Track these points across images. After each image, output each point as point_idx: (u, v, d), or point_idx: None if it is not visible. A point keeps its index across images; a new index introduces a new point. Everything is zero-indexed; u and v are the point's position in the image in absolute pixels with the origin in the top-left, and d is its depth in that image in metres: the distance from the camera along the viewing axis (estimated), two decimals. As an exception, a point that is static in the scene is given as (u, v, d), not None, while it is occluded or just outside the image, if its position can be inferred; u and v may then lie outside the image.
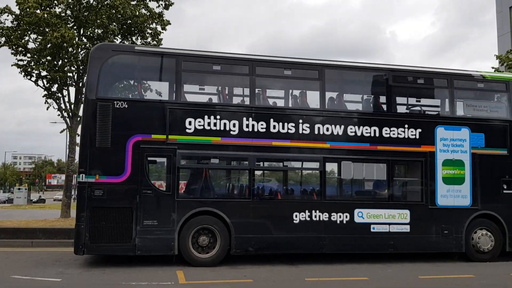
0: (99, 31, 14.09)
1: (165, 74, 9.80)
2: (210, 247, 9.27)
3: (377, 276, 8.63)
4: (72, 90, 14.64)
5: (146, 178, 9.05)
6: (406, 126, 10.24)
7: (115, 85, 9.69)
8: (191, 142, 9.28)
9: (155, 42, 14.95)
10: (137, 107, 9.20)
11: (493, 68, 21.09)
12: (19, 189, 36.59)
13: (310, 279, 8.25)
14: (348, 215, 9.82)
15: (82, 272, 8.50)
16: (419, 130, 10.29)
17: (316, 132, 9.80)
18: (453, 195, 10.40)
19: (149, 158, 9.16)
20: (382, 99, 10.54)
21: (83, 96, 9.34)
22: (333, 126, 9.88)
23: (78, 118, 14.66)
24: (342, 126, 9.93)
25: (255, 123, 9.54)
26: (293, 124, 9.71)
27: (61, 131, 14.78)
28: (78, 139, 14.86)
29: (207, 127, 9.34)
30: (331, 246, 9.74)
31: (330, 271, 9.09)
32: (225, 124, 9.42)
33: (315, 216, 9.67)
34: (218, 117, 9.41)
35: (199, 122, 9.32)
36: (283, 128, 9.66)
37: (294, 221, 9.59)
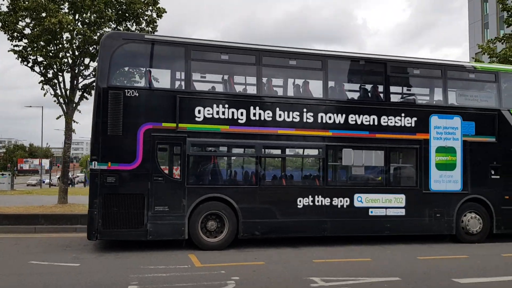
0: (95, 16, 13.98)
1: (174, 63, 9.95)
2: (218, 231, 9.62)
3: (378, 257, 9.17)
4: (68, 76, 14.58)
5: (157, 165, 9.29)
6: (403, 114, 10.73)
7: (126, 74, 9.81)
8: (200, 130, 9.53)
9: (150, 29, 14.95)
10: (147, 96, 9.37)
11: (475, 58, 21.77)
12: (2, 174, 35.89)
13: (317, 260, 8.70)
14: (348, 199, 10.31)
15: (97, 257, 8.74)
16: (415, 118, 10.80)
17: (319, 120, 10.19)
18: (445, 180, 11.00)
19: (159, 146, 9.38)
20: (380, 89, 10.99)
21: (92, 83, 9.41)
22: (335, 115, 10.28)
23: (74, 104, 14.63)
24: (344, 115, 10.34)
25: (261, 112, 9.86)
26: (298, 113, 10.07)
27: (58, 117, 14.71)
28: (74, 125, 14.93)
29: (215, 116, 9.61)
30: (332, 229, 10.23)
31: (332, 252, 9.58)
32: (233, 112, 9.71)
33: (318, 201, 10.13)
34: (226, 106, 9.68)
35: (208, 110, 9.57)
36: (288, 117, 10.00)
37: (298, 206, 10.02)
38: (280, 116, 9.96)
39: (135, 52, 9.69)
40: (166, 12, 15.03)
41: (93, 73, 15.01)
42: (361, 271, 7.79)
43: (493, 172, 11.30)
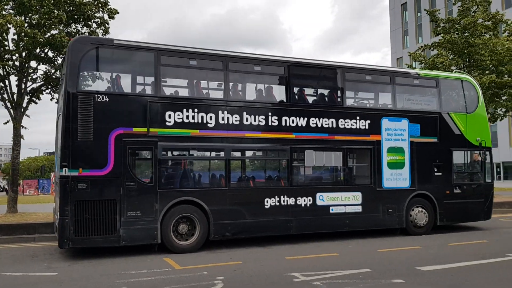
0: (44, 18, 13.41)
1: (144, 68, 9.96)
2: (189, 234, 9.78)
3: (343, 252, 9.79)
4: (14, 79, 13.88)
5: (129, 170, 9.27)
6: (358, 118, 11.50)
7: (95, 78, 9.66)
8: (171, 135, 9.64)
9: (101, 31, 14.64)
10: (118, 101, 9.32)
11: (408, 61, 23.44)
12: None
13: (289, 257, 9.15)
14: (311, 198, 10.88)
15: (70, 265, 8.57)
16: (368, 121, 11.60)
17: (283, 124, 10.66)
18: (396, 178, 11.93)
19: (131, 151, 9.36)
20: (337, 94, 11.69)
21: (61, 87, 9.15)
22: (297, 118, 10.81)
23: (22, 109, 13.96)
24: (305, 119, 10.90)
25: (229, 116, 10.15)
26: (263, 117, 10.48)
27: (5, 123, 13.93)
28: (22, 131, 14.25)
29: (185, 120, 9.76)
30: (297, 227, 10.74)
31: (300, 250, 10.06)
32: (202, 117, 9.91)
33: (283, 201, 10.59)
34: (196, 110, 9.87)
35: (178, 115, 9.70)
36: (254, 120, 10.38)
37: (266, 206, 10.43)
38: (247, 120, 10.31)
39: (104, 57, 9.57)
40: (118, 13, 14.78)
41: (41, 76, 14.44)
42: (333, 265, 8.33)
43: (435, 170, 12.40)
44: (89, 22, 14.31)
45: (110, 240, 9.08)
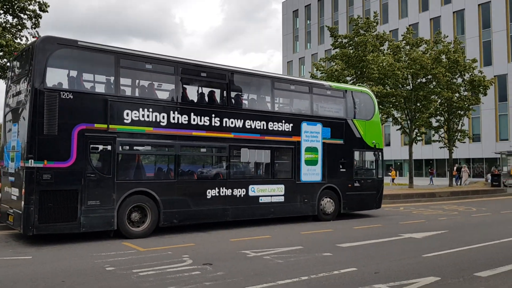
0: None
1: (105, 69, 10.69)
2: (140, 221, 10.85)
3: (274, 234, 11.63)
4: None
5: (90, 163, 10.06)
6: (283, 121, 13.44)
7: (60, 76, 10.15)
8: (128, 131, 10.60)
9: (31, 23, 14.65)
10: (81, 98, 10.03)
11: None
12: None
13: (233, 239, 10.74)
14: (244, 190, 12.56)
15: (37, 250, 9.19)
16: (292, 124, 13.60)
17: (224, 124, 12.17)
18: (311, 173, 14.12)
19: (92, 145, 10.14)
20: (268, 99, 13.52)
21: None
22: (235, 120, 12.39)
23: None
24: (242, 121, 12.52)
25: (179, 116, 11.38)
26: (208, 118, 11.88)
27: None
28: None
29: (141, 118, 10.79)
30: (233, 215, 12.35)
31: (238, 234, 11.65)
32: (156, 116, 11.02)
33: (222, 192, 12.12)
34: (150, 110, 10.93)
35: (135, 113, 10.70)
36: (200, 121, 11.73)
37: (207, 197, 11.86)
38: (194, 120, 11.62)
39: (69, 56, 10.18)
40: (48, 6, 14.90)
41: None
42: (272, 244, 10.10)
43: (341, 167, 14.87)
44: (21, 14, 14.29)
45: (71, 227, 9.82)
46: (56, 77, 9.92)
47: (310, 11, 69.79)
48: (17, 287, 6.51)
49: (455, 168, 35.68)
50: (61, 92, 9.70)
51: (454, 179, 33.94)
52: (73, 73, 10.31)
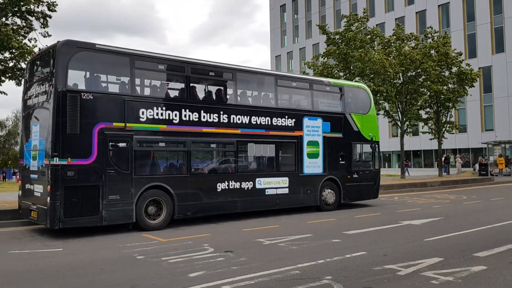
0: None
1: (122, 70, 11.20)
2: (156, 214, 11.44)
3: (282, 224, 12.31)
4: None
5: (109, 160, 10.61)
6: (287, 117, 14.10)
7: (80, 78, 10.63)
8: (144, 129, 11.16)
9: (39, 23, 15.00)
10: (100, 99, 10.56)
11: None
12: None
13: (245, 229, 11.40)
14: (252, 183, 13.21)
15: (65, 243, 9.73)
16: (294, 120, 14.26)
17: (231, 121, 12.78)
18: (313, 166, 14.81)
19: (111, 143, 10.68)
20: (272, 96, 14.16)
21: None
22: (242, 116, 13.01)
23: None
24: (248, 117, 13.14)
25: (190, 113, 11.97)
26: (216, 115, 12.48)
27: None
28: None
29: (155, 117, 11.35)
30: (241, 206, 13.00)
31: (248, 224, 12.27)
32: (169, 114, 11.58)
33: (231, 185, 12.75)
34: (164, 108, 11.50)
35: (150, 112, 11.26)
36: (210, 118, 12.34)
37: (218, 190, 12.49)
38: (204, 117, 12.22)
39: (88, 58, 10.67)
40: (57, 4, 15.23)
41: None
42: (283, 233, 10.77)
43: (340, 159, 15.59)
44: (29, 16, 14.66)
45: (94, 220, 10.38)
46: (77, 78, 10.42)
47: (297, 5, 70.35)
48: (60, 275, 7.07)
49: (443, 158, 36.81)
50: (82, 93, 10.22)
51: (442, 169, 35.01)
52: (92, 75, 10.82)
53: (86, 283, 6.64)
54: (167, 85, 12.13)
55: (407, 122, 29.46)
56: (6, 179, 53.37)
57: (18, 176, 51.70)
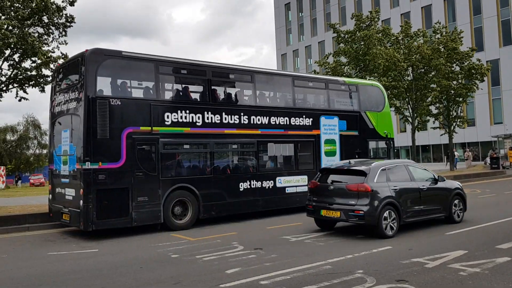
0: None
1: (147, 75, 11.57)
2: (182, 214, 11.79)
3: (304, 222, 12.58)
4: None
5: (138, 163, 10.96)
6: (304, 116, 14.40)
7: (108, 84, 11.00)
8: (169, 132, 11.52)
9: (58, 34, 15.43)
10: (128, 104, 10.92)
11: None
12: None
13: (269, 227, 11.73)
14: (272, 182, 13.53)
15: (98, 244, 10.10)
16: (311, 119, 14.57)
17: (252, 122, 13.11)
18: (331, 163, 15.08)
19: (138, 146, 11.04)
20: (290, 97, 14.47)
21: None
22: (262, 117, 13.33)
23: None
24: (267, 117, 13.46)
25: (212, 116, 12.31)
26: (237, 116, 12.81)
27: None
28: None
29: (180, 120, 11.71)
30: (263, 205, 13.34)
31: (271, 222, 12.57)
32: (192, 117, 11.94)
33: (253, 185, 13.09)
34: (187, 111, 11.85)
35: (174, 115, 11.61)
36: (231, 119, 12.67)
37: (240, 189, 12.83)
38: (225, 119, 12.56)
39: (115, 65, 11.04)
40: (75, 17, 15.67)
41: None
42: (306, 230, 11.07)
43: (357, 156, 15.83)
44: (52, 27, 15.09)
45: (124, 221, 10.75)
46: (105, 85, 10.78)
47: (302, 3, 70.46)
48: (103, 274, 7.42)
49: (448, 153, 36.92)
50: (111, 99, 10.58)
51: (453, 163, 35.17)
52: (119, 81, 11.17)
53: (130, 281, 6.99)
54: (190, 89, 12.46)
55: (418, 118, 29.66)
56: (22, 183, 53.97)
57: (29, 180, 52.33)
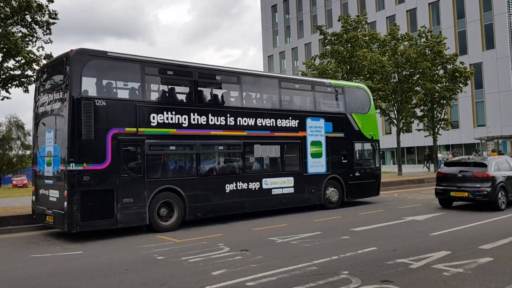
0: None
1: (133, 76, 11.48)
2: (167, 216, 11.72)
3: (290, 223, 12.64)
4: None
5: (123, 164, 10.87)
6: (290, 118, 14.44)
7: (93, 85, 10.89)
8: (155, 133, 11.45)
9: (42, 32, 15.24)
10: (113, 105, 10.83)
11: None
12: None
13: (256, 229, 11.72)
14: (259, 183, 13.53)
15: (82, 245, 10.00)
16: (297, 121, 14.61)
17: (238, 123, 13.10)
18: (317, 165, 15.17)
19: (124, 148, 10.95)
20: (276, 98, 14.49)
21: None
22: (248, 118, 13.34)
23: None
24: (253, 119, 13.47)
25: (199, 117, 12.27)
26: (223, 118, 12.79)
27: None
28: None
29: (166, 121, 11.64)
30: (249, 206, 13.32)
31: (257, 224, 12.56)
32: (178, 118, 11.88)
33: (239, 186, 13.08)
34: (173, 112, 11.79)
35: (160, 117, 11.55)
36: (217, 121, 12.64)
37: (226, 191, 12.80)
38: (211, 120, 12.53)
39: (100, 66, 10.93)
40: (58, 13, 15.47)
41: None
42: (293, 231, 11.09)
43: (343, 158, 15.97)
44: (35, 26, 14.90)
45: (109, 223, 10.65)
46: (90, 85, 10.68)
47: (289, 5, 70.71)
48: (88, 276, 7.34)
49: (425, 154, 37.26)
50: (96, 100, 10.48)
51: (437, 164, 35.56)
52: (104, 82, 11.07)
53: (115, 283, 6.93)
54: (176, 90, 12.40)
55: (403, 120, 29.96)
56: (2, 185, 53.15)
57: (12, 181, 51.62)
